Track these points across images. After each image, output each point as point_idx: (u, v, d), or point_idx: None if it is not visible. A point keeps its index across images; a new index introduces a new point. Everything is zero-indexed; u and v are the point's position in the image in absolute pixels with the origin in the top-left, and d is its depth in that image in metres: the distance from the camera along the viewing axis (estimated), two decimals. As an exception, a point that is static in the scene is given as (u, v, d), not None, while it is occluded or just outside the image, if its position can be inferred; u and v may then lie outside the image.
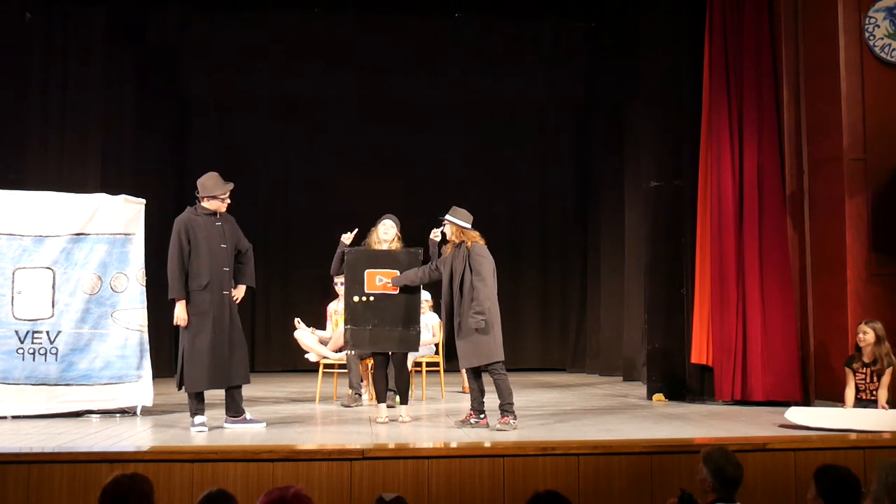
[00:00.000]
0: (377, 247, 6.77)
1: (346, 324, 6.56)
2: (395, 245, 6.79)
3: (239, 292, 6.39)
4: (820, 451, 5.10)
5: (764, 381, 7.55)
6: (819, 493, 3.32)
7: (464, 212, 6.43)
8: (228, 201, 6.34)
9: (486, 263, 6.21)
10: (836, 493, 3.30)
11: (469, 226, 6.37)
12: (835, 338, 7.26)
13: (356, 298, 6.50)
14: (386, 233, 6.79)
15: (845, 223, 7.19)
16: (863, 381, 6.42)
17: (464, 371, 8.91)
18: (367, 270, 6.52)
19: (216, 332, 6.12)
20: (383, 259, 6.60)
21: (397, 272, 6.54)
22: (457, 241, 6.37)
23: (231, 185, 6.33)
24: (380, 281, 6.51)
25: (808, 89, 7.71)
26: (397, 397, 6.90)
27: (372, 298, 6.49)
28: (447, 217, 6.41)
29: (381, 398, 6.64)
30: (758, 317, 7.62)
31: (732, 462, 3.56)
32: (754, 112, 7.86)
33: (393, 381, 7.00)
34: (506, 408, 6.11)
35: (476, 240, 6.32)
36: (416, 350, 7.12)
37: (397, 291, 6.53)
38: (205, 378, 6.08)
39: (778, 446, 5.19)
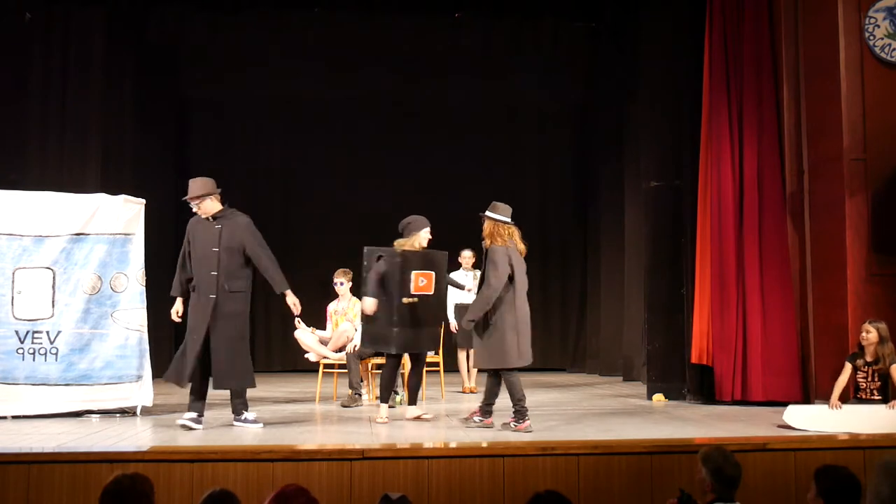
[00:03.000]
0: (415, 248, 6.62)
1: (393, 326, 6.41)
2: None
3: (290, 298, 6.27)
4: (820, 451, 5.11)
5: (764, 381, 7.55)
6: (819, 492, 3.32)
7: (502, 206, 6.32)
8: (197, 209, 6.27)
9: (495, 268, 6.07)
10: (836, 492, 3.29)
11: (505, 219, 6.25)
12: (835, 338, 7.27)
13: (405, 300, 6.42)
14: (429, 234, 6.70)
15: (845, 223, 7.20)
16: (864, 380, 6.43)
17: (464, 371, 8.97)
18: (414, 272, 6.47)
19: (194, 333, 6.16)
20: (423, 260, 6.58)
21: (432, 273, 6.53)
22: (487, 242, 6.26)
23: (206, 189, 6.22)
24: (421, 282, 6.49)
25: (808, 89, 7.71)
26: (398, 397, 6.88)
27: (416, 300, 6.47)
28: (487, 213, 6.30)
29: (385, 398, 6.60)
30: (758, 317, 7.62)
31: (731, 462, 3.55)
32: (754, 112, 7.86)
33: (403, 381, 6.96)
34: (515, 407, 6.09)
35: (497, 241, 6.18)
36: (438, 347, 7.31)
37: (432, 292, 6.52)
38: (179, 374, 6.21)
39: (778, 446, 5.20)
